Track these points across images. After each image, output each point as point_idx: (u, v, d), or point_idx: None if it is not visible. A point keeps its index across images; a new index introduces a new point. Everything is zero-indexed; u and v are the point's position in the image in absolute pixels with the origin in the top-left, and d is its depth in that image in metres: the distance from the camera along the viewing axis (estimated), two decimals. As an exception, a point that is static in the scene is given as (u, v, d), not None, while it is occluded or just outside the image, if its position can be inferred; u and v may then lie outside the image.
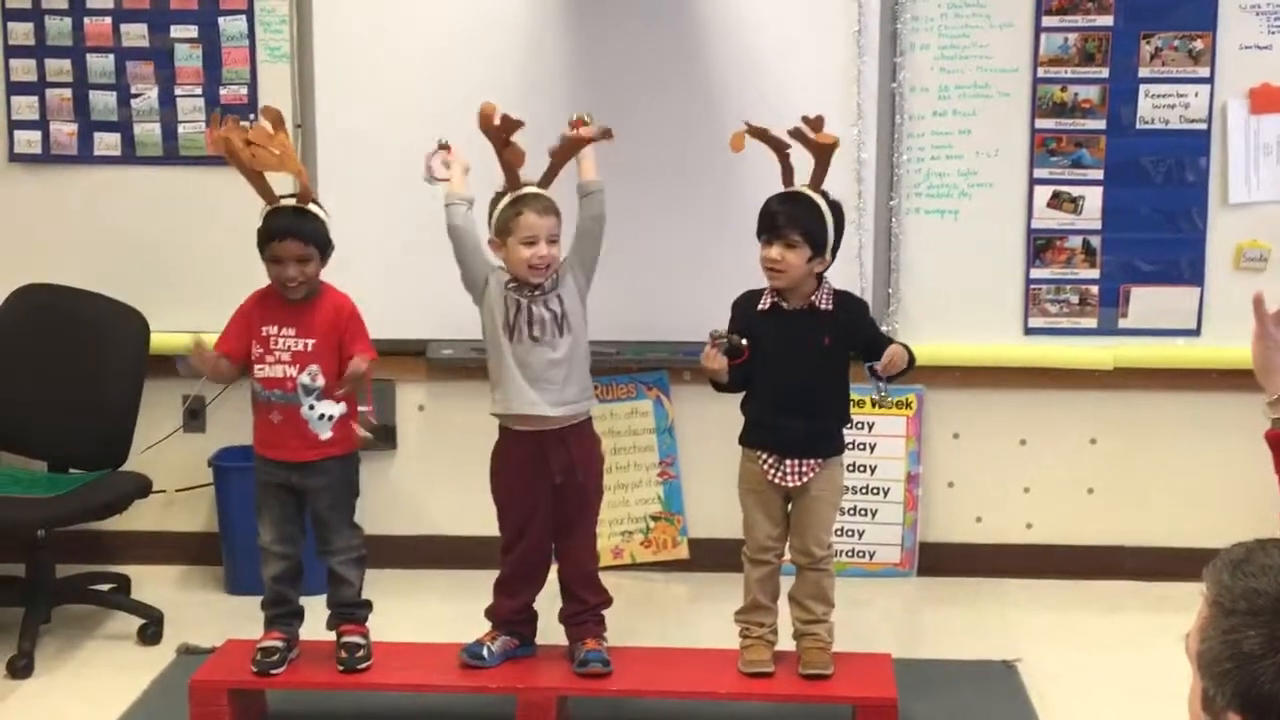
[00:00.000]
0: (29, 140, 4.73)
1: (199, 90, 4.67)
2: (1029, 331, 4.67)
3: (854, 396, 3.78)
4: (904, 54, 4.54)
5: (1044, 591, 4.66)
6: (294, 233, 3.57)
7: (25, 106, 4.71)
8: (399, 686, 3.67)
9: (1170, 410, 4.69)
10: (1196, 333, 4.63)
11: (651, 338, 4.65)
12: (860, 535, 4.76)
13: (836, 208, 3.62)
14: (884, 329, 4.20)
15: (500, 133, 3.46)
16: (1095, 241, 4.62)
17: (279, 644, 3.65)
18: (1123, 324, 4.65)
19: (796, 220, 3.52)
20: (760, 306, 3.62)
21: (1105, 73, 4.54)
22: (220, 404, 4.76)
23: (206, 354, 3.58)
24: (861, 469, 4.72)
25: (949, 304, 4.64)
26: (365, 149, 4.59)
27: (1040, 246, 4.63)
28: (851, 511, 4.70)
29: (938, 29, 4.54)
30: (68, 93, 4.69)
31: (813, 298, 3.59)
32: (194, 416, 4.82)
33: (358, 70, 4.60)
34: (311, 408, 3.60)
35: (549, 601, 3.76)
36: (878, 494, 4.75)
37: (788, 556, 3.70)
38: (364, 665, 3.64)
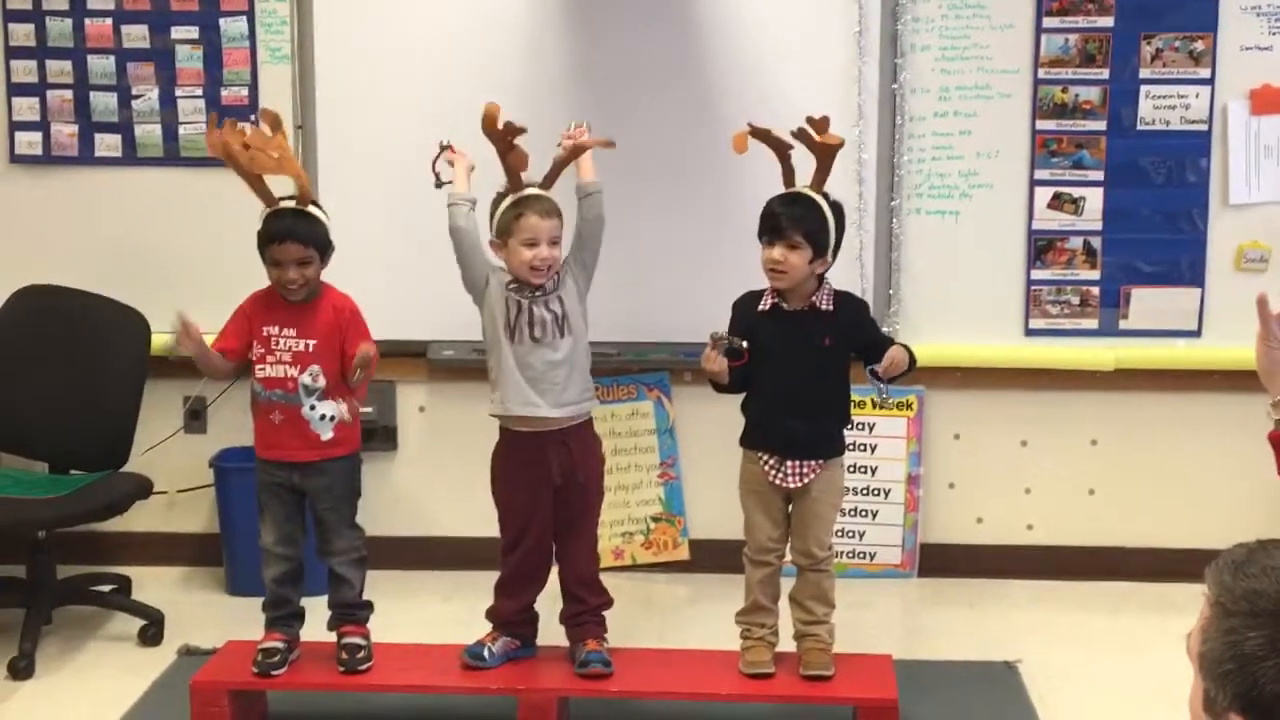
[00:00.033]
0: (30, 141, 4.73)
1: (200, 91, 4.67)
2: (1030, 332, 4.67)
3: (855, 397, 3.77)
4: (905, 55, 4.54)
5: (1045, 592, 4.66)
6: (294, 235, 3.57)
7: (26, 108, 4.71)
8: (400, 687, 3.66)
9: (1171, 411, 4.69)
10: (1197, 334, 4.63)
11: (652, 339, 4.65)
12: (861, 536, 4.76)
13: (838, 209, 3.62)
14: (885, 330, 4.21)
15: (504, 136, 3.46)
16: (1096, 242, 4.62)
17: (280, 645, 3.65)
18: (1123, 325, 4.65)
19: (798, 221, 3.52)
20: (761, 307, 3.62)
21: (1106, 74, 4.54)
22: (221, 405, 4.77)
23: (191, 328, 3.55)
24: (862, 470, 4.72)
25: (950, 305, 4.64)
26: (366, 150, 4.60)
27: (1041, 247, 4.63)
28: (852, 513, 4.70)
29: (938, 30, 4.54)
30: (68, 94, 4.70)
31: (813, 298, 3.59)
32: (195, 417, 4.82)
33: (358, 72, 4.60)
34: (313, 408, 3.60)
35: (550, 602, 3.76)
36: (878, 495, 4.75)
37: (789, 558, 3.70)
38: (365, 666, 3.64)
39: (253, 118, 4.48)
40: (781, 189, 3.62)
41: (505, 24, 4.56)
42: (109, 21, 4.65)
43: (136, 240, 4.69)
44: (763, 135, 3.61)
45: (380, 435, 4.75)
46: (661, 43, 4.54)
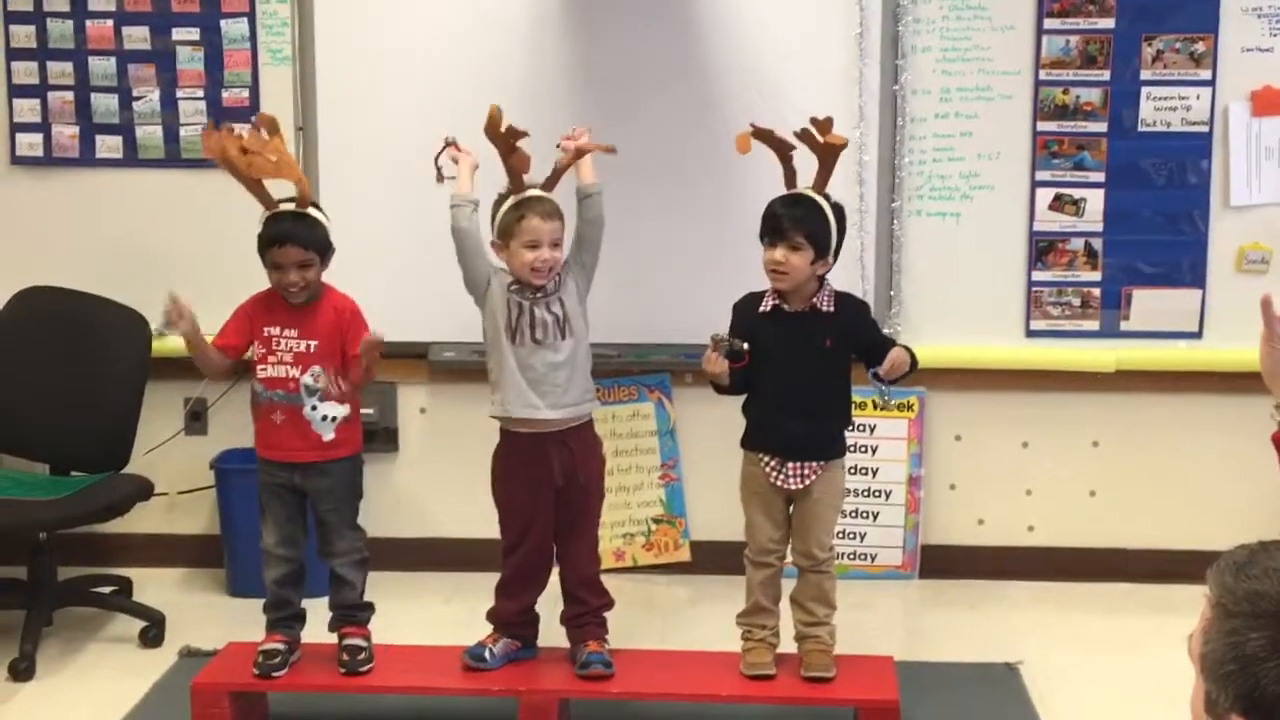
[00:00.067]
0: (31, 143, 4.73)
1: (201, 93, 4.67)
2: (1031, 334, 4.67)
3: (855, 399, 3.77)
4: (906, 56, 4.54)
5: (1046, 594, 4.66)
6: (294, 239, 3.57)
7: (27, 109, 4.72)
8: (401, 689, 3.66)
9: (1172, 412, 4.69)
10: (1198, 335, 4.63)
11: (653, 340, 4.65)
12: (862, 538, 4.75)
13: (839, 210, 3.62)
14: (886, 331, 4.20)
15: (506, 139, 3.47)
16: (1097, 244, 4.62)
17: (281, 646, 3.65)
18: (1124, 326, 4.65)
19: (800, 222, 3.52)
20: (762, 309, 3.62)
21: (1107, 75, 4.54)
22: (222, 407, 4.77)
23: (183, 306, 3.55)
24: (863, 471, 4.72)
25: (950, 306, 4.64)
26: (366, 151, 4.60)
27: (1042, 249, 4.63)
28: (853, 514, 4.70)
29: (939, 32, 4.54)
30: (69, 95, 4.70)
31: (814, 300, 3.59)
32: (195, 419, 4.82)
33: (359, 73, 4.60)
34: (314, 408, 3.60)
35: (551, 604, 3.76)
36: (879, 496, 4.75)
37: (790, 559, 3.70)
38: (366, 668, 3.64)
39: (253, 119, 4.50)
40: (782, 190, 3.62)
41: (506, 27, 4.56)
42: (110, 23, 4.66)
43: (137, 242, 4.69)
44: (765, 136, 3.61)
45: (381, 437, 4.75)
46: (662, 43, 4.54)
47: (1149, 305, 4.63)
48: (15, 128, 4.72)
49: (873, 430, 4.71)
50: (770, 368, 3.57)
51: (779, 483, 3.60)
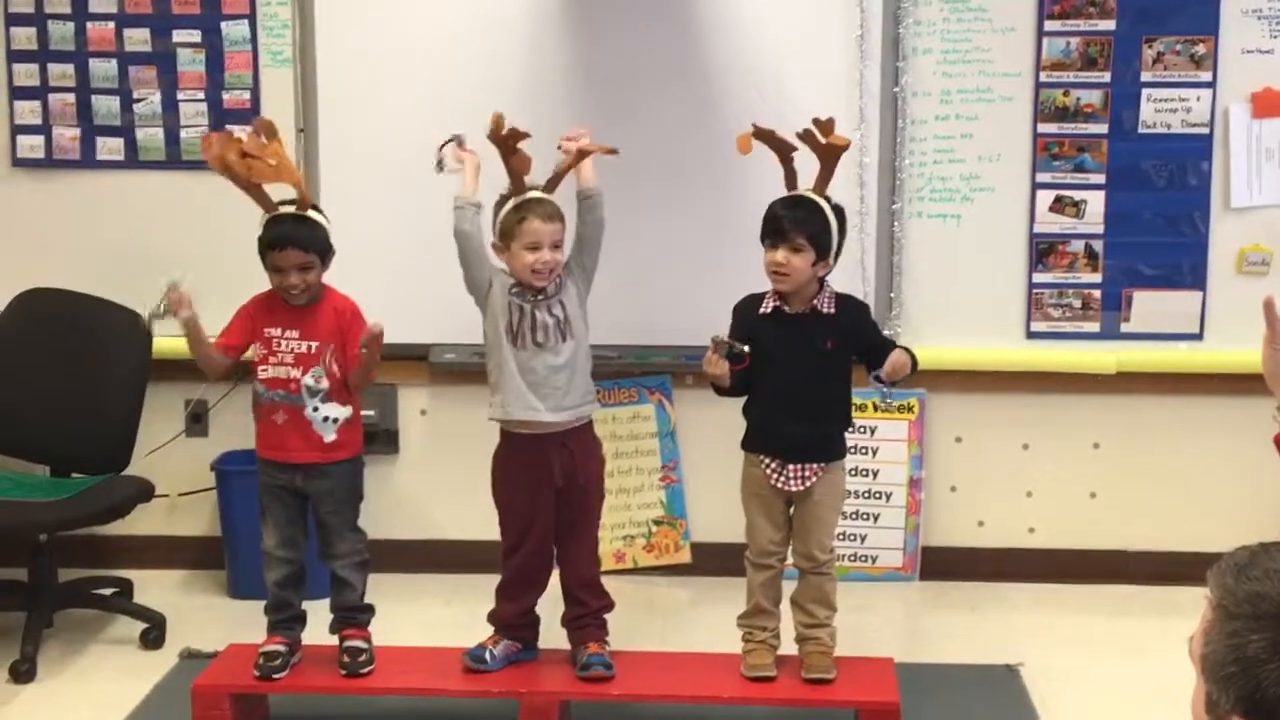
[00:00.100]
0: (32, 145, 4.73)
1: (201, 95, 4.67)
2: (1031, 336, 4.67)
3: (856, 401, 3.77)
4: (906, 58, 4.54)
5: (1047, 596, 4.66)
6: (294, 242, 3.57)
7: (28, 111, 4.72)
8: (401, 691, 3.66)
9: (1173, 414, 4.69)
10: (1199, 337, 4.63)
11: (654, 342, 4.65)
12: (863, 539, 4.75)
13: (840, 212, 3.62)
14: (886, 333, 4.20)
15: (508, 140, 3.47)
16: (1097, 246, 4.62)
17: (281, 648, 3.65)
18: (1125, 328, 4.65)
19: (802, 224, 3.52)
20: (762, 310, 3.61)
21: (1107, 77, 4.54)
22: (223, 408, 4.77)
23: (183, 295, 3.56)
24: (864, 473, 4.72)
25: (951, 308, 4.64)
26: (367, 153, 4.60)
27: (1042, 251, 4.63)
28: (854, 516, 4.69)
29: (940, 33, 4.54)
30: (70, 97, 4.70)
31: (815, 301, 3.59)
32: (196, 421, 4.82)
33: (360, 74, 4.60)
34: (316, 409, 3.61)
35: (551, 605, 3.76)
36: (880, 498, 4.75)
37: (790, 561, 3.70)
38: (366, 670, 3.64)
39: (253, 121, 4.49)
40: (783, 191, 3.62)
41: (506, 29, 4.56)
42: (111, 25, 4.66)
43: (138, 243, 4.69)
44: (767, 136, 3.61)
45: (382, 438, 4.75)
46: (662, 43, 4.54)
47: (1150, 307, 4.63)
48: (16, 130, 4.73)
49: (873, 432, 4.71)
50: (771, 369, 3.57)
51: (779, 484, 3.60)
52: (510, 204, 3.54)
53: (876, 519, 4.75)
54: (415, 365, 4.71)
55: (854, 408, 3.74)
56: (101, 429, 4.37)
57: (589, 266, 3.64)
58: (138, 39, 4.66)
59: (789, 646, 3.68)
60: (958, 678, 4.01)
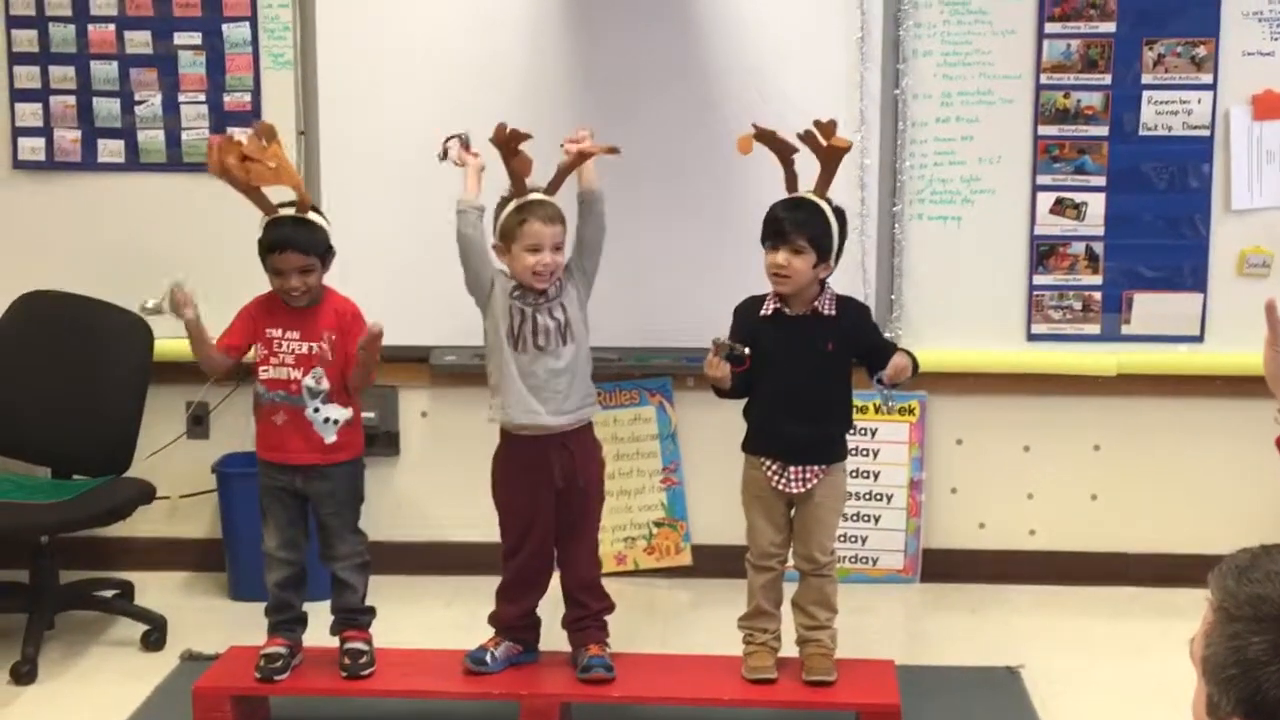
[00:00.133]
0: (33, 147, 4.73)
1: (203, 97, 4.67)
2: (1032, 338, 4.67)
3: (857, 403, 3.77)
4: (907, 60, 4.54)
5: (1047, 597, 4.66)
6: (294, 245, 3.57)
7: (29, 113, 4.72)
8: (402, 693, 3.66)
9: (1174, 416, 4.69)
10: (1200, 339, 4.63)
11: (654, 344, 4.65)
12: (863, 541, 4.75)
13: (840, 214, 3.62)
14: (887, 335, 4.20)
15: (509, 143, 3.47)
16: (1098, 248, 4.62)
17: (282, 650, 3.65)
18: (1126, 330, 4.65)
19: (803, 226, 3.52)
20: (763, 312, 3.61)
21: (1108, 79, 4.54)
22: (224, 410, 4.77)
23: (188, 294, 3.57)
24: (865, 475, 4.71)
25: (952, 310, 4.64)
26: (368, 155, 4.60)
27: (1043, 253, 4.63)
28: (855, 518, 4.69)
29: (940, 35, 4.54)
30: (71, 99, 4.70)
31: (816, 303, 3.59)
32: (197, 423, 4.82)
33: (360, 77, 4.60)
34: (317, 410, 3.61)
35: (552, 607, 3.76)
36: (881, 500, 4.75)
37: (791, 563, 3.70)
38: (367, 671, 3.64)
39: (254, 123, 4.49)
40: (783, 192, 3.62)
41: (507, 31, 4.56)
42: (112, 27, 4.66)
43: (139, 246, 4.69)
44: (768, 138, 3.61)
45: (382, 440, 4.75)
46: (662, 43, 4.54)
47: (1150, 309, 4.63)
48: (17, 132, 4.73)
49: (874, 434, 4.71)
50: (772, 371, 3.57)
51: (780, 486, 3.60)
52: (511, 206, 3.54)
53: (877, 521, 4.75)
54: (416, 367, 4.71)
55: (855, 410, 3.74)
56: (103, 431, 4.37)
57: (590, 269, 3.64)
58: (139, 41, 4.66)
59: (790, 648, 3.68)
60: (958, 680, 4.01)
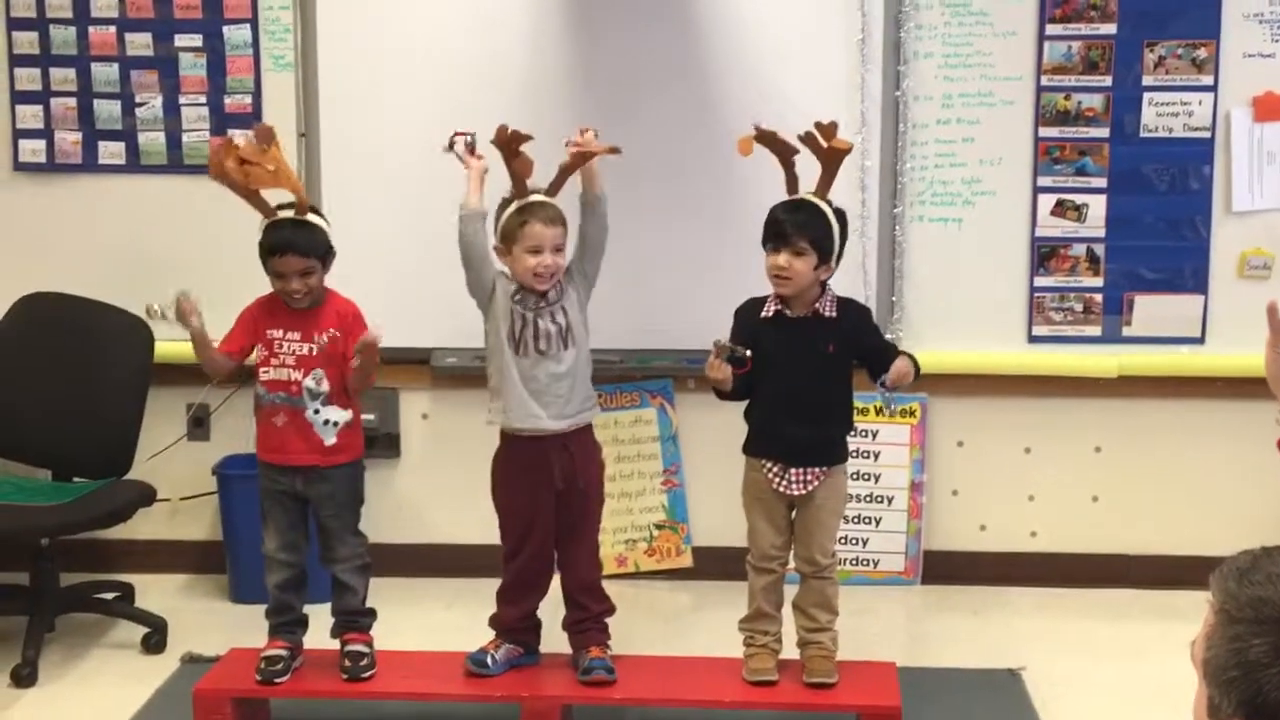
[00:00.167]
0: (34, 149, 4.73)
1: (203, 99, 4.67)
2: (1033, 339, 4.67)
3: (857, 405, 3.77)
4: (907, 62, 4.54)
5: (1049, 600, 4.65)
6: (294, 248, 3.57)
7: (30, 115, 4.72)
8: (403, 695, 3.66)
9: (1175, 418, 4.69)
10: (1201, 341, 4.63)
11: (655, 345, 4.65)
12: (864, 543, 4.75)
13: (841, 215, 3.62)
14: (888, 337, 4.20)
15: (510, 144, 3.47)
16: (1099, 249, 4.61)
17: (283, 652, 3.65)
18: (1127, 332, 4.64)
19: (804, 228, 3.52)
20: (764, 314, 3.61)
21: (1109, 81, 4.54)
22: (224, 413, 4.77)
23: (194, 303, 3.58)
24: (866, 477, 4.71)
25: (953, 312, 4.64)
26: (369, 157, 4.60)
27: (1044, 254, 4.63)
28: (856, 520, 4.69)
29: (941, 37, 4.54)
30: (72, 101, 4.70)
31: (816, 305, 3.59)
32: (198, 425, 4.82)
33: (361, 78, 4.60)
34: (317, 412, 3.61)
35: (553, 610, 3.76)
36: (882, 502, 4.75)
37: (792, 565, 3.70)
38: (368, 674, 3.64)
39: (254, 125, 4.49)
40: (783, 191, 3.62)
41: (508, 33, 4.56)
42: (112, 29, 4.66)
43: (140, 248, 4.69)
44: (769, 139, 3.60)
45: (383, 442, 4.75)
46: (662, 43, 4.54)
47: (1151, 311, 4.62)
48: (18, 134, 4.73)
49: (875, 436, 4.71)
50: (773, 373, 3.57)
51: (781, 488, 3.60)
52: (512, 207, 3.54)
53: (878, 523, 4.75)
54: (417, 369, 4.71)
55: (855, 411, 3.74)
56: (103, 433, 4.37)
57: (591, 273, 3.63)
58: (139, 43, 4.66)
59: (790, 651, 3.68)
60: (959, 682, 4.01)
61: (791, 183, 3.63)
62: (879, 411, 4.58)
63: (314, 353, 3.61)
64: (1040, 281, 4.64)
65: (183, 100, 4.68)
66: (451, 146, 3.68)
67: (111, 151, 4.71)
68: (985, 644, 4.28)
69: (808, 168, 3.62)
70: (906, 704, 3.52)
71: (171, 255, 4.67)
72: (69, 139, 4.72)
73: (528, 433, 3.58)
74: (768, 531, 3.64)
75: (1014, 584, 4.71)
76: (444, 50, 4.58)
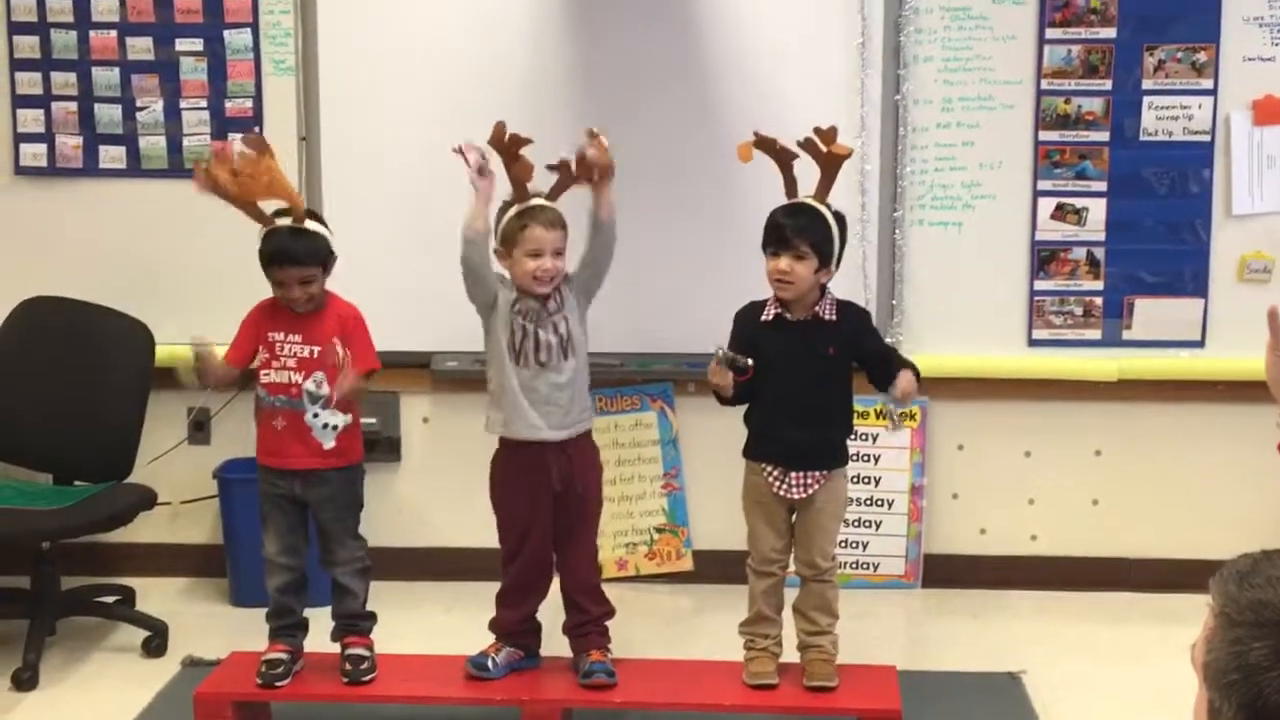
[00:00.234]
0: (34, 153, 4.74)
1: (204, 103, 4.68)
2: (1033, 343, 4.67)
3: (857, 408, 3.77)
4: (907, 66, 4.54)
5: (1049, 603, 4.66)
6: (293, 258, 3.57)
7: (31, 119, 4.72)
8: (403, 698, 3.66)
9: (1175, 421, 4.69)
10: (1201, 344, 4.63)
11: (656, 349, 4.65)
12: (864, 547, 4.75)
13: (841, 219, 3.63)
14: (888, 341, 4.20)
15: (510, 148, 3.47)
16: (1099, 253, 4.62)
17: (284, 656, 3.65)
18: (1127, 335, 4.65)
19: (804, 232, 3.52)
20: (764, 317, 3.62)
21: (1109, 84, 4.54)
22: (225, 416, 4.77)
23: (211, 354, 3.59)
24: (866, 481, 4.72)
25: (953, 316, 4.64)
26: (369, 161, 4.60)
27: (1044, 258, 4.64)
28: (856, 523, 4.69)
29: (941, 41, 4.54)
30: (73, 106, 4.70)
31: (816, 308, 3.59)
32: (199, 429, 4.82)
33: (362, 82, 4.60)
34: (316, 415, 3.61)
35: (553, 613, 3.76)
36: (882, 506, 4.75)
37: (792, 568, 3.70)
38: (368, 677, 3.64)
39: (257, 129, 4.50)
40: (782, 193, 3.62)
41: (508, 35, 4.56)
42: (113, 34, 4.66)
43: (141, 252, 4.69)
44: (768, 145, 3.61)
45: (383, 446, 4.75)
46: (662, 43, 4.55)
47: (1151, 314, 4.63)
48: (19, 138, 4.73)
49: (875, 439, 4.71)
50: (773, 376, 3.57)
51: (781, 492, 3.60)
52: (512, 211, 3.54)
53: (878, 526, 4.75)
54: (417, 373, 4.71)
55: (856, 415, 3.74)
56: (104, 437, 4.37)
57: (592, 290, 3.62)
58: (140, 47, 4.67)
59: (791, 654, 3.68)
60: (960, 685, 4.01)
61: (791, 186, 3.63)
62: (879, 415, 4.58)
63: (315, 356, 3.61)
64: (1040, 285, 4.64)
65: (183, 104, 4.68)
66: (461, 153, 3.62)
67: (112, 156, 4.72)
68: (985, 647, 4.28)
69: (807, 170, 3.62)
70: (907, 707, 3.52)
71: (172, 259, 4.68)
72: (70, 143, 4.72)
73: (527, 438, 3.59)
74: (768, 535, 3.64)
75: (1014, 587, 4.71)
76: (444, 50, 4.58)
